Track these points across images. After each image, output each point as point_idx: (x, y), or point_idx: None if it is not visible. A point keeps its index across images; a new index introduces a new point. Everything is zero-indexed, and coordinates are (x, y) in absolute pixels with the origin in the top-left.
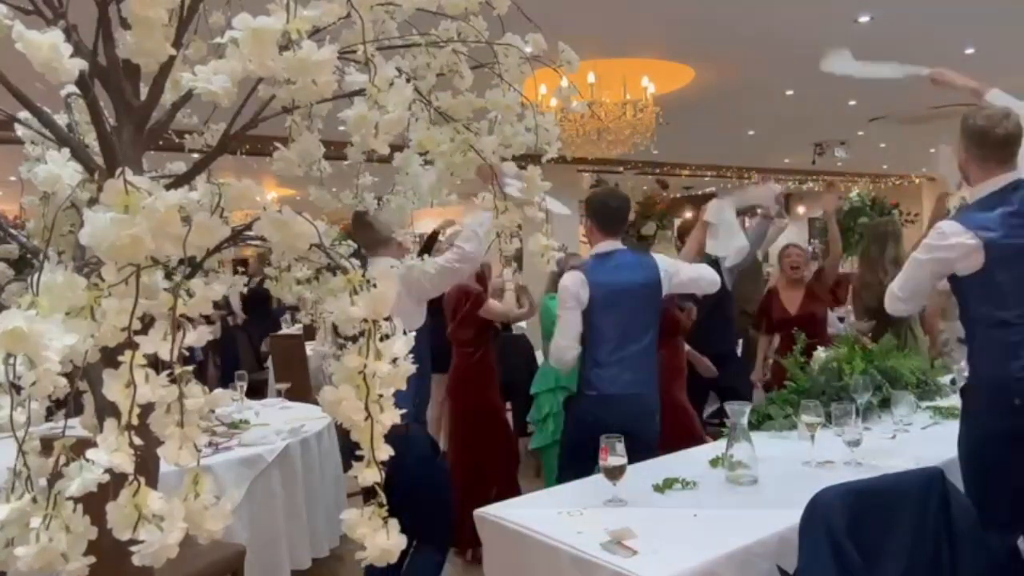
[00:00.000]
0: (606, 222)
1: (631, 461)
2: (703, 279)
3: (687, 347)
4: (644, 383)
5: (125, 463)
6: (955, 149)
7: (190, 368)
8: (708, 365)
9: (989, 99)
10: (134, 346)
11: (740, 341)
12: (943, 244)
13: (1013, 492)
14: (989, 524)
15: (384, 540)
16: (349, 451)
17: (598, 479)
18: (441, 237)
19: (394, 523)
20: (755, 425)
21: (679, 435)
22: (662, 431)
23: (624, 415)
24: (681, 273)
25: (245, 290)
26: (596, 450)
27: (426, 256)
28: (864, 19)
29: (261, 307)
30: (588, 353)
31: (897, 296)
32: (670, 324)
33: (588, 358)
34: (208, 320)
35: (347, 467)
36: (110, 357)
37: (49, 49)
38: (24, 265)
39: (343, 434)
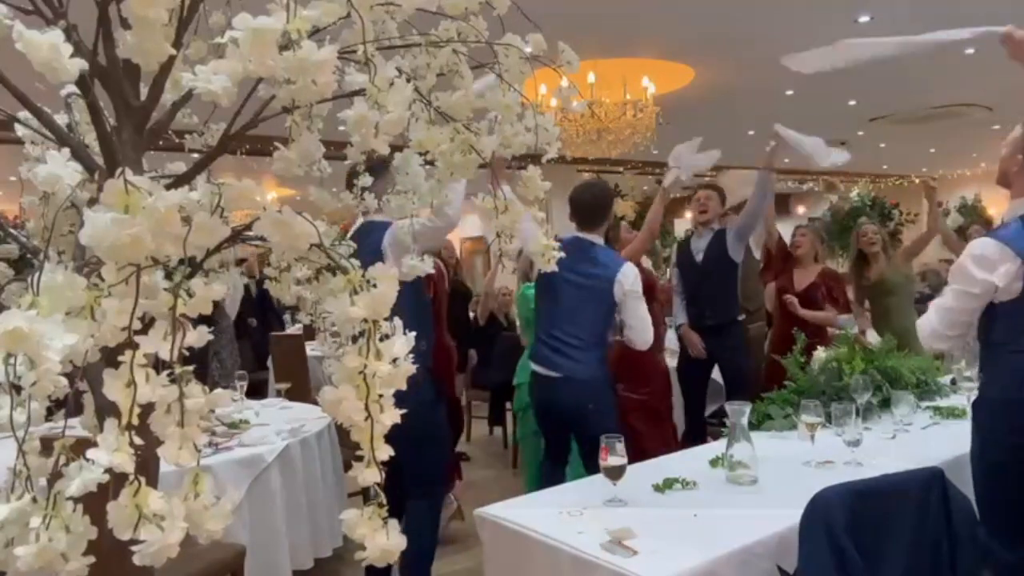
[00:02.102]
0: (576, 217)
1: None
2: (640, 331)
3: (683, 324)
4: (578, 368)
5: (125, 463)
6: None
7: (190, 368)
8: (696, 342)
9: None
10: (134, 346)
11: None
12: (994, 273)
13: (1011, 512)
14: (997, 539)
15: (384, 540)
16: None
17: (598, 479)
18: None
19: (394, 523)
20: (755, 425)
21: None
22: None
23: (553, 396)
24: (631, 305)
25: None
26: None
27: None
28: (864, 19)
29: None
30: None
31: (943, 334)
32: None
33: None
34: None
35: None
36: (110, 357)
37: (49, 49)
38: (24, 265)
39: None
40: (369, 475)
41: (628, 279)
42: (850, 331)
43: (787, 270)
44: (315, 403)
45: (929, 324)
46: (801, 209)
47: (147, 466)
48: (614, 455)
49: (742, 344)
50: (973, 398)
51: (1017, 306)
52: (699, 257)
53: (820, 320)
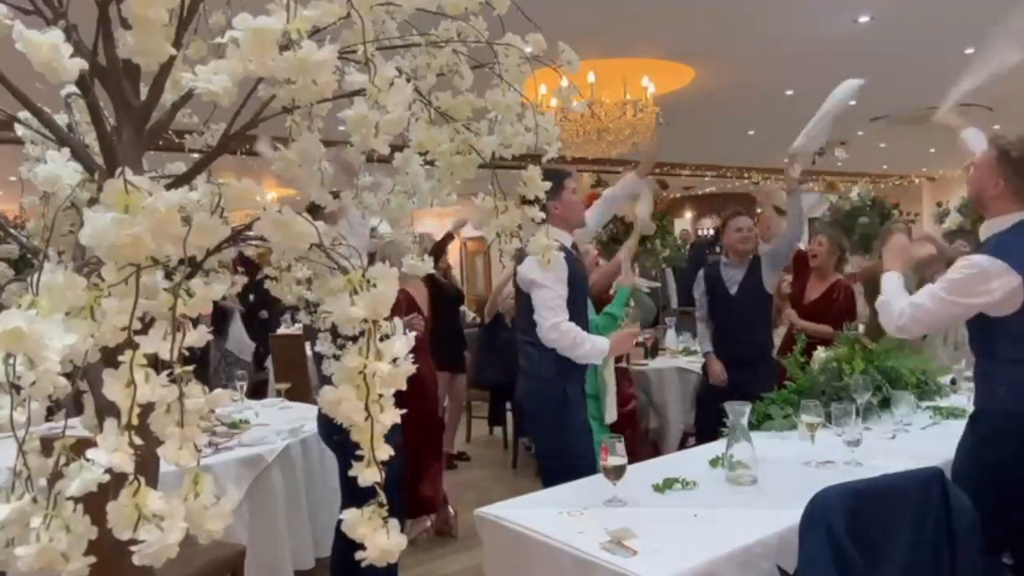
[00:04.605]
0: None
1: None
2: (538, 325)
3: (708, 352)
4: (523, 367)
5: (125, 463)
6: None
7: (190, 368)
8: (718, 372)
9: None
10: (134, 346)
11: None
12: (986, 288)
13: (1009, 518)
14: (990, 545)
15: (384, 540)
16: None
17: (598, 479)
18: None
19: (394, 523)
20: (755, 425)
21: None
22: None
23: None
24: (533, 296)
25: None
26: None
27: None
28: (864, 19)
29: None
30: None
31: (911, 330)
32: None
33: None
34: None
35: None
36: (110, 357)
37: (49, 49)
38: (24, 265)
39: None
40: (369, 475)
41: (528, 266)
42: (851, 332)
43: (803, 279)
44: (315, 403)
45: (902, 316)
46: None
47: (147, 466)
48: (614, 455)
49: (775, 380)
50: (971, 409)
51: (1019, 320)
52: (733, 289)
53: (819, 333)
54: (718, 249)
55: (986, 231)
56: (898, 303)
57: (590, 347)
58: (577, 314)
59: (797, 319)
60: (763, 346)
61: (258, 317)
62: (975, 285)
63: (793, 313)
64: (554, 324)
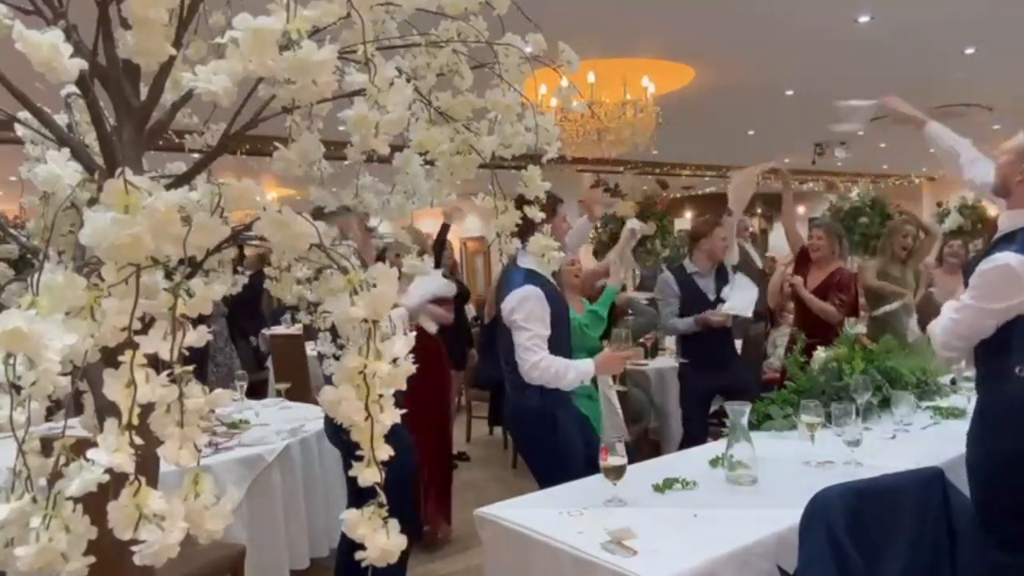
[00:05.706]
0: None
1: None
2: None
3: (694, 320)
4: (510, 397)
5: (125, 463)
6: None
7: (190, 368)
8: (720, 317)
9: (928, 131)
10: (134, 346)
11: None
12: (1020, 289)
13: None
14: (998, 543)
15: (384, 540)
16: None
17: (598, 479)
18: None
19: (394, 523)
20: (755, 425)
21: None
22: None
23: None
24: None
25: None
26: None
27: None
28: (864, 19)
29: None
30: None
31: (953, 346)
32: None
33: None
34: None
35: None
36: (110, 357)
37: (49, 49)
38: (24, 265)
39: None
40: (369, 475)
41: (508, 306)
42: (852, 332)
43: (804, 270)
44: (315, 403)
45: (943, 334)
46: (801, 209)
47: (147, 466)
48: (614, 455)
49: (752, 373)
50: (976, 399)
51: None
52: (712, 296)
53: (819, 308)
54: None
55: (1007, 222)
56: (937, 325)
57: (574, 375)
58: (560, 347)
59: (802, 289)
60: (734, 346)
61: (239, 313)
62: (1008, 288)
63: (799, 281)
64: (533, 364)
